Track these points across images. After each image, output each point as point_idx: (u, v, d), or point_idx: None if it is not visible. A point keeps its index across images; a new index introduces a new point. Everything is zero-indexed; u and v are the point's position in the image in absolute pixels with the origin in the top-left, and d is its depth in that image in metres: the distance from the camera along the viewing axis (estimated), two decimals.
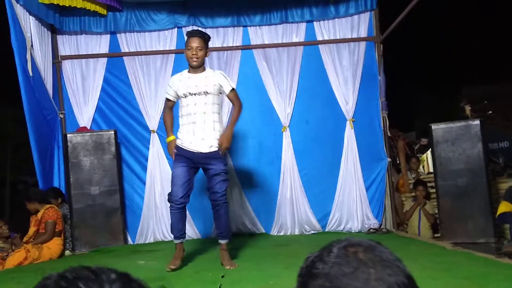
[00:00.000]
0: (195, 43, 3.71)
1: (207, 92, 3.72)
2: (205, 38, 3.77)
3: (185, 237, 3.88)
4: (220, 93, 3.88)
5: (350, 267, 0.73)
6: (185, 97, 3.75)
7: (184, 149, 3.75)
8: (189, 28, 5.88)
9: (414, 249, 4.28)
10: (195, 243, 5.21)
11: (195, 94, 3.73)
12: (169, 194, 3.78)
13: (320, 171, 5.86)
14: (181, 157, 3.75)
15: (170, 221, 3.87)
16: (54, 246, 4.87)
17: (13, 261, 4.49)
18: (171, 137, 3.88)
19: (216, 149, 3.74)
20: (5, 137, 12.87)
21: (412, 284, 0.75)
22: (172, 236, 3.89)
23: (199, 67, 3.79)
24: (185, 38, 3.86)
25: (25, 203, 5.07)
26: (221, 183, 3.76)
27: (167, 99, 3.94)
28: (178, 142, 3.79)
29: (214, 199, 3.78)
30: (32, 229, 4.87)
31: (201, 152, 3.72)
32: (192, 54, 3.71)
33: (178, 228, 3.78)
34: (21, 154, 11.74)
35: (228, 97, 3.96)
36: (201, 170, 3.92)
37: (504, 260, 3.51)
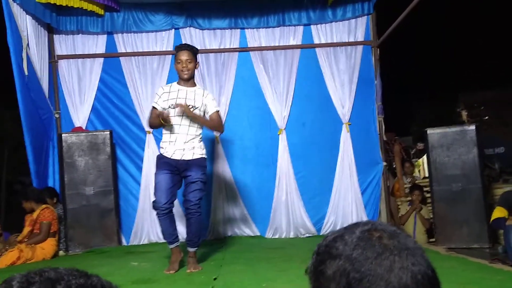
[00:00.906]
0: (185, 56, 3.76)
1: (194, 107, 3.77)
2: (194, 51, 3.83)
3: (179, 240, 3.84)
4: (204, 113, 3.90)
5: (373, 252, 0.71)
6: (173, 108, 3.74)
7: (167, 157, 3.75)
8: (187, 30, 5.89)
9: None
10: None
11: None
12: (153, 202, 3.75)
13: (316, 174, 5.86)
14: (164, 164, 3.74)
15: (161, 228, 3.84)
16: (48, 246, 4.84)
17: (5, 261, 4.46)
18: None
19: (198, 156, 3.77)
20: (3, 137, 12.83)
21: (435, 276, 0.72)
22: (166, 242, 3.85)
23: (189, 80, 3.83)
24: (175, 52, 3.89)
25: (22, 202, 5.05)
26: (195, 192, 3.73)
27: (153, 108, 3.87)
28: (161, 151, 3.81)
29: (187, 207, 3.76)
30: (26, 229, 4.84)
31: (183, 160, 3.73)
32: (183, 67, 3.76)
33: (169, 233, 3.74)
34: (20, 154, 11.70)
35: (210, 118, 3.90)
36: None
37: (498, 266, 3.52)
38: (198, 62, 3.90)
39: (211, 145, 5.63)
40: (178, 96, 3.77)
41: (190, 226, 3.77)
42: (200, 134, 3.86)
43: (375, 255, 0.70)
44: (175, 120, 3.74)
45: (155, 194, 3.74)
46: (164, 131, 3.83)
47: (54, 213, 4.96)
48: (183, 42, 5.79)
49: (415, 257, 0.71)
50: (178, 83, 3.88)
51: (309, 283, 0.78)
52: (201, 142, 3.88)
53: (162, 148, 3.81)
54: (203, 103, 3.83)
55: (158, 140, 5.74)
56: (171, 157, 3.73)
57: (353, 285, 0.69)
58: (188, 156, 3.74)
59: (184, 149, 3.73)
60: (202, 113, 3.84)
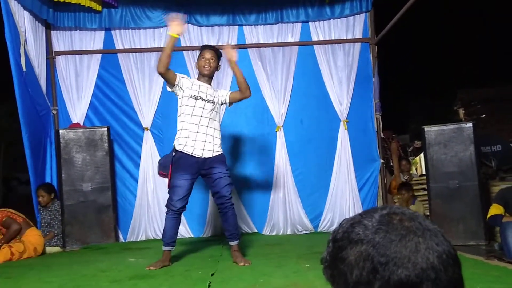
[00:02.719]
0: (209, 54, 3.87)
1: (214, 102, 3.85)
2: (218, 54, 3.94)
3: (174, 247, 3.84)
4: (222, 104, 4.02)
5: (397, 235, 0.70)
6: (195, 99, 3.77)
7: (187, 155, 3.73)
8: (184, 26, 5.87)
9: None
10: (187, 242, 5.20)
11: (205, 100, 3.80)
12: (169, 201, 3.74)
13: (313, 171, 5.87)
14: (186, 167, 3.73)
15: (164, 225, 3.81)
16: (33, 238, 4.76)
17: (1, 258, 4.41)
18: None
19: (219, 153, 3.84)
20: (0, 131, 12.80)
21: (457, 255, 0.73)
22: (163, 241, 3.80)
23: (209, 77, 3.91)
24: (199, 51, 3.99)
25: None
26: (227, 187, 3.79)
27: (175, 74, 3.76)
28: (179, 148, 3.75)
29: (222, 202, 3.79)
30: None
31: (204, 158, 3.76)
32: (205, 63, 3.85)
33: (170, 234, 3.75)
34: (15, 150, 11.68)
35: (232, 94, 4.03)
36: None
37: (493, 262, 3.53)
38: (220, 65, 3.99)
39: None
40: (200, 90, 3.81)
41: (228, 219, 3.82)
42: (219, 130, 3.92)
43: (399, 238, 0.70)
44: (196, 113, 3.75)
45: (172, 196, 3.73)
46: (184, 126, 3.77)
47: (2, 212, 4.78)
48: (181, 39, 5.80)
49: (438, 238, 0.71)
50: (198, 79, 3.92)
51: (325, 272, 0.77)
52: (220, 135, 3.92)
53: (181, 144, 3.75)
54: (220, 95, 3.96)
55: (155, 136, 5.77)
56: (192, 154, 3.72)
57: (379, 269, 0.68)
58: (208, 154, 3.77)
59: (205, 145, 3.76)
60: (221, 105, 3.99)
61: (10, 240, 4.63)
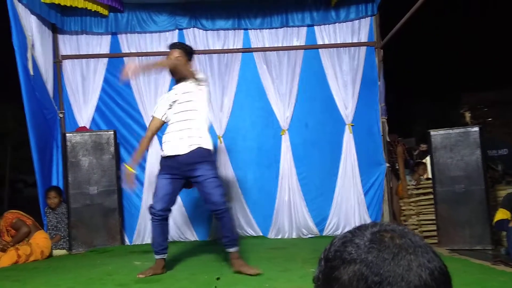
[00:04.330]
0: (175, 53, 3.69)
1: (179, 97, 3.63)
2: (186, 49, 3.77)
3: (166, 254, 3.66)
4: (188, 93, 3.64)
5: (389, 253, 0.70)
6: (170, 108, 3.67)
7: (164, 158, 3.62)
8: (190, 30, 5.91)
9: None
10: (192, 245, 5.21)
11: (174, 102, 3.64)
12: (150, 206, 3.62)
13: (319, 175, 5.86)
14: (164, 167, 3.62)
15: (151, 234, 3.67)
16: (41, 241, 4.80)
17: (6, 261, 4.42)
18: (132, 170, 3.70)
19: (197, 146, 3.49)
20: (6, 134, 12.86)
21: (447, 271, 0.73)
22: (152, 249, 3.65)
23: (179, 78, 3.69)
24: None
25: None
26: (215, 190, 3.46)
27: (157, 120, 3.78)
28: (161, 153, 3.70)
29: (214, 209, 3.50)
30: (6, 238, 4.74)
31: (180, 155, 3.49)
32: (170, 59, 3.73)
33: (158, 242, 3.57)
34: (21, 153, 11.75)
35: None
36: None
37: (500, 267, 3.52)
38: (190, 60, 3.79)
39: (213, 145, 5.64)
40: (170, 98, 3.66)
41: (224, 225, 3.52)
42: (199, 119, 3.58)
43: (392, 256, 0.70)
44: (172, 119, 3.64)
45: (153, 198, 3.66)
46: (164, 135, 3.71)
47: (13, 213, 4.87)
48: (187, 43, 5.82)
49: (428, 254, 0.71)
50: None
51: None
52: (200, 131, 3.55)
53: (162, 150, 3.71)
54: (189, 90, 3.63)
55: (161, 139, 5.77)
56: (168, 154, 3.54)
57: None
58: (183, 149, 3.47)
59: (178, 141, 3.51)
60: (194, 96, 3.61)
61: (18, 242, 4.67)
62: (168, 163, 3.58)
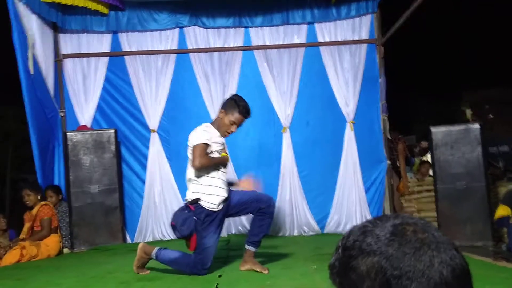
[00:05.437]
0: (243, 123, 3.55)
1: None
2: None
3: None
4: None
5: (411, 248, 0.68)
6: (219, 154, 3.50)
7: (220, 204, 3.41)
8: (191, 28, 5.90)
9: None
10: None
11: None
12: (200, 264, 3.34)
13: (320, 173, 5.87)
14: (216, 221, 3.40)
15: (176, 260, 3.44)
16: (52, 243, 4.85)
17: (9, 259, 4.44)
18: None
19: (188, 200, 3.42)
20: (7, 133, 12.87)
21: (469, 269, 0.71)
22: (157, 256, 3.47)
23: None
24: (239, 112, 3.49)
25: (23, 192, 4.89)
26: (254, 191, 3.60)
27: (205, 144, 3.37)
28: (206, 205, 3.36)
29: (267, 204, 3.52)
30: (26, 225, 4.82)
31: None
32: (234, 130, 3.54)
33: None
34: (23, 152, 11.75)
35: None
36: None
37: (501, 263, 3.52)
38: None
39: None
40: (224, 148, 3.57)
41: (261, 226, 3.50)
42: (191, 174, 3.44)
43: (413, 251, 0.68)
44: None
45: (203, 257, 3.34)
46: (210, 180, 3.42)
47: (53, 209, 4.95)
48: (187, 41, 5.83)
49: (451, 251, 0.70)
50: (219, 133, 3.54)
51: (332, 278, 0.75)
52: (198, 186, 3.40)
53: (211, 200, 3.37)
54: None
55: (162, 138, 5.80)
56: (223, 200, 3.43)
57: (392, 282, 0.67)
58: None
59: (227, 187, 3.53)
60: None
61: (34, 241, 4.68)
62: (222, 212, 3.44)
